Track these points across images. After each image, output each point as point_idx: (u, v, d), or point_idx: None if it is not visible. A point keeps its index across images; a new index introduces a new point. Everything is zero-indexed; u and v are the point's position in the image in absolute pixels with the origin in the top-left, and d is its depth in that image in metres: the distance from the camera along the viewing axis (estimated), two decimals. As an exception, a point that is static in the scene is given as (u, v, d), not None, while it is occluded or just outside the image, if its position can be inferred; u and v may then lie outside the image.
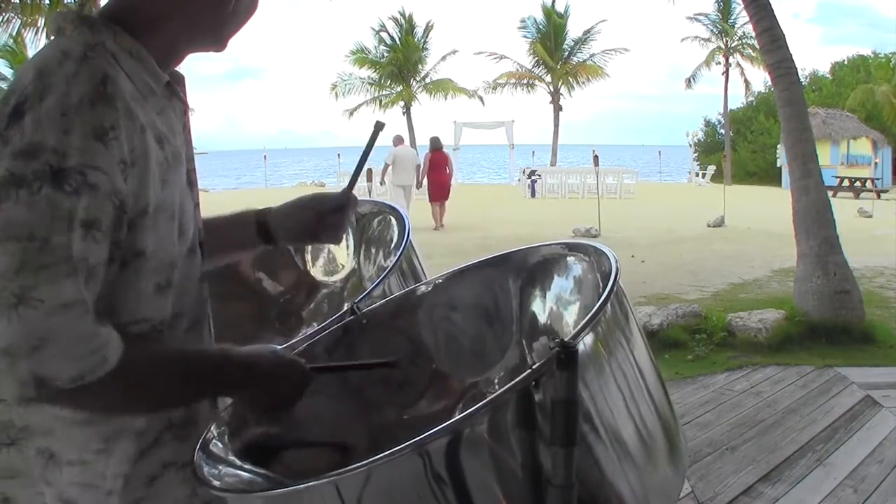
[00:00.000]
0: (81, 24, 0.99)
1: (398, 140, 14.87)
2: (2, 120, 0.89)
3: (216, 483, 1.02)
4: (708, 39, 33.67)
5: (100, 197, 0.88)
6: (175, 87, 1.08)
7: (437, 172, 14.17)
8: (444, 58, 35.44)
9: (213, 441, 1.13)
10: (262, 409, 1.16)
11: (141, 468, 1.04)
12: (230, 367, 1.09)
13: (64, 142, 0.86)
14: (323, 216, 1.39)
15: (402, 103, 34.38)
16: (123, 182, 0.91)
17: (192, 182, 1.11)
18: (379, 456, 0.85)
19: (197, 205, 1.15)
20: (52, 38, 1.00)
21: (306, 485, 0.89)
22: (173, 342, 1.07)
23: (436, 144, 14.69)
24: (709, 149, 34.63)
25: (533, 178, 23.53)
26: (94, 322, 0.88)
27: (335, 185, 25.90)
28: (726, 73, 33.17)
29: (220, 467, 1.08)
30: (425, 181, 14.34)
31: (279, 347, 1.19)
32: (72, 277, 0.86)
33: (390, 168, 14.34)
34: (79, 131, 0.87)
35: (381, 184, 15.31)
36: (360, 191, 17.96)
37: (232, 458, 1.12)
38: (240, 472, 1.10)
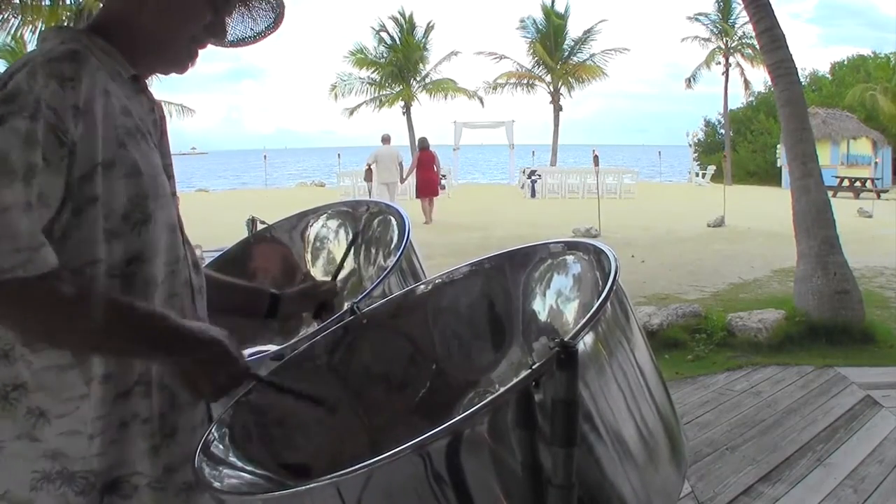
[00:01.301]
0: (60, 31, 1.21)
1: (386, 139, 15.75)
2: None
3: (217, 485, 1.02)
4: (708, 39, 33.65)
5: (49, 126, 1.02)
6: (143, 84, 1.25)
7: (425, 170, 14.99)
8: (444, 58, 35.43)
9: (214, 443, 1.13)
10: (189, 385, 1.18)
11: (115, 411, 1.12)
12: (158, 326, 1.13)
13: (31, 82, 1.03)
14: (321, 306, 1.62)
15: (402, 103, 34.36)
16: (74, 126, 1.04)
17: (168, 174, 1.25)
18: (380, 457, 0.85)
19: (174, 194, 1.26)
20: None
21: (307, 486, 0.89)
22: (149, 299, 1.16)
23: (423, 144, 15.54)
24: (709, 149, 34.62)
25: (533, 178, 23.53)
26: (28, 226, 0.99)
27: (335, 185, 25.90)
28: (726, 73, 33.16)
29: (221, 469, 1.08)
30: (411, 178, 15.31)
31: (228, 338, 1.20)
32: (18, 184, 0.98)
33: (374, 167, 15.40)
34: (42, 74, 1.03)
35: (364, 180, 16.50)
36: (359, 191, 18.27)
37: (233, 459, 1.12)
38: (241, 473, 1.10)
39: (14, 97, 1.02)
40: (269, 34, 1.40)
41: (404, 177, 15.39)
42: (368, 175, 16.14)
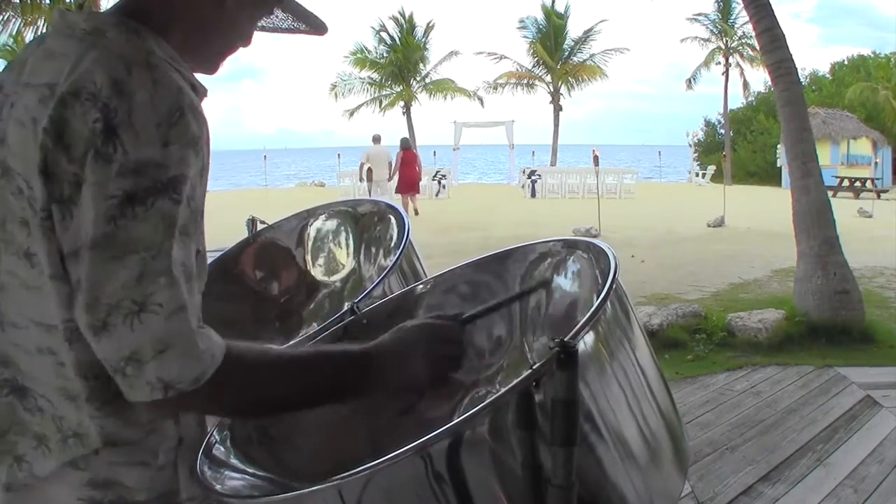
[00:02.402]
0: (125, 30, 0.97)
1: (376, 139, 16.85)
2: (89, 133, 0.88)
3: (219, 487, 1.02)
4: (708, 40, 33.70)
5: (186, 204, 0.92)
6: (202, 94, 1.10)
7: (408, 168, 16.08)
8: (444, 58, 35.43)
9: (216, 445, 1.13)
10: (428, 380, 1.14)
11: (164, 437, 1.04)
12: (362, 356, 1.08)
13: (165, 155, 0.89)
14: None
15: (402, 103, 34.36)
16: (198, 187, 0.95)
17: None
18: (381, 460, 0.85)
19: None
20: (87, 37, 0.96)
21: (309, 489, 0.89)
22: None
23: (405, 144, 16.73)
24: (709, 149, 34.63)
25: (533, 178, 23.54)
26: (196, 320, 0.92)
27: (335, 185, 25.91)
28: (726, 73, 33.19)
29: (223, 471, 1.08)
30: (396, 175, 16.32)
31: (425, 319, 1.17)
32: (181, 281, 0.90)
33: (366, 165, 16.49)
34: (177, 143, 0.90)
35: (360, 180, 17.32)
36: (359, 191, 18.58)
37: (234, 461, 1.12)
38: (243, 475, 1.10)
39: (142, 171, 0.88)
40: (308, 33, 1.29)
41: (391, 175, 16.29)
42: (370, 175, 16.58)
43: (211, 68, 1.13)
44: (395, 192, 16.01)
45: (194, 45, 1.06)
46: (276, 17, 1.23)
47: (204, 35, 1.07)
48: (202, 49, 1.08)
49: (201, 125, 0.94)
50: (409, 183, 16.08)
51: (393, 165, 16.23)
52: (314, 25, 1.26)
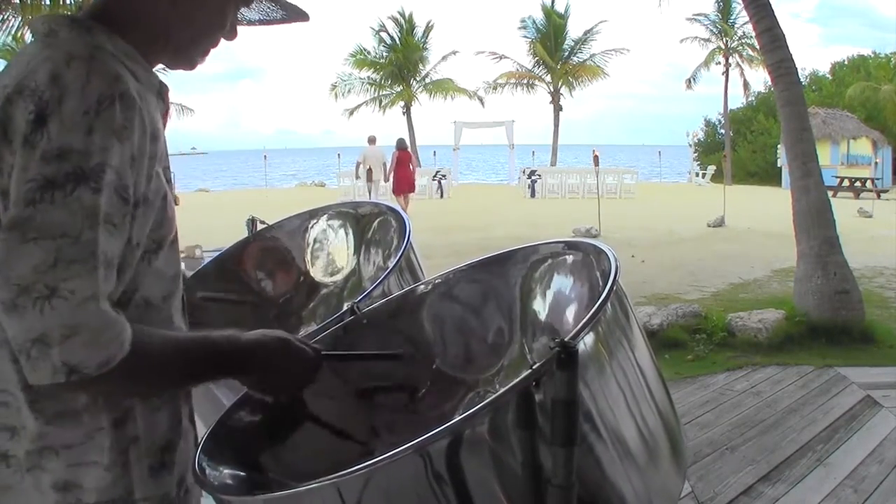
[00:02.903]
0: (77, 27, 1.02)
1: (372, 140, 17.20)
2: (24, 125, 0.92)
3: (218, 485, 1.02)
4: (708, 40, 33.69)
5: (112, 192, 0.93)
6: (162, 90, 1.13)
7: (402, 169, 16.25)
8: (444, 58, 35.47)
9: (215, 443, 1.13)
10: (268, 393, 1.20)
11: (120, 438, 1.06)
12: (233, 353, 1.12)
13: (88, 142, 0.91)
14: None
15: (402, 103, 34.38)
16: (131, 178, 0.97)
17: (168, 179, 1.17)
18: (380, 458, 0.85)
19: (174, 200, 1.20)
20: (44, 38, 1.01)
21: (307, 487, 0.89)
22: (152, 321, 1.10)
23: (400, 145, 16.69)
24: (709, 149, 34.63)
25: (533, 178, 23.54)
26: (113, 311, 0.94)
27: (335, 185, 25.90)
28: (726, 73, 33.19)
29: (222, 469, 1.08)
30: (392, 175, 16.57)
31: (287, 336, 1.20)
32: (98, 270, 0.92)
33: (362, 165, 17.00)
34: (101, 132, 0.92)
35: (357, 178, 17.82)
36: (359, 191, 18.86)
37: (233, 460, 1.12)
38: (241, 474, 1.10)
39: (65, 156, 0.90)
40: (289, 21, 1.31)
41: (386, 174, 16.54)
42: (370, 175, 16.90)
43: (187, 63, 1.16)
44: (393, 193, 16.23)
45: (160, 41, 1.10)
46: (258, 9, 1.25)
47: (166, 32, 1.09)
48: (169, 45, 1.11)
49: (132, 115, 0.95)
50: (404, 183, 16.35)
51: (388, 166, 16.52)
52: (294, 13, 1.29)
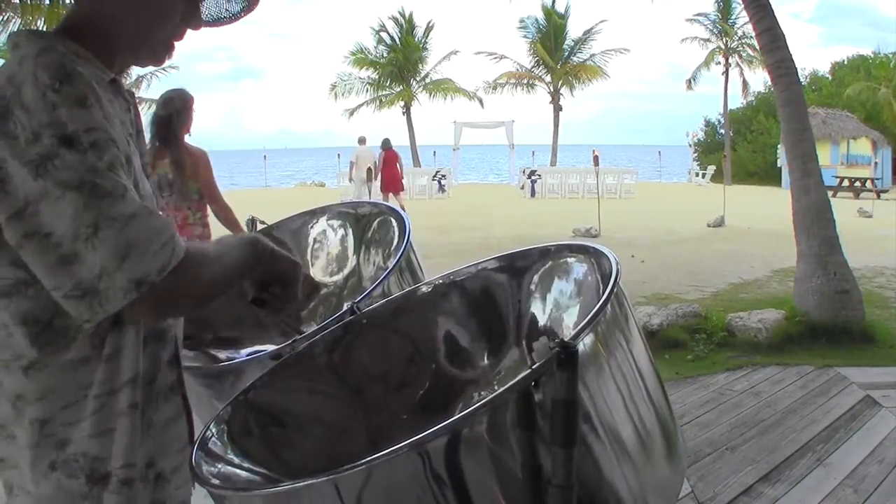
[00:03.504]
0: (32, 35, 1.13)
1: (362, 140, 17.90)
2: None
3: (215, 481, 1.02)
4: (708, 40, 33.69)
5: (104, 147, 1.01)
6: (120, 85, 1.20)
7: (389, 168, 16.83)
8: (445, 58, 35.45)
9: (212, 440, 1.13)
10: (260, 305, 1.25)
11: (107, 406, 1.11)
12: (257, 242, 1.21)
13: (55, 116, 0.98)
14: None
15: (401, 103, 34.39)
16: (111, 131, 1.03)
17: (147, 174, 1.23)
18: (378, 455, 0.85)
19: (153, 194, 1.26)
20: (11, 53, 1.09)
21: (305, 483, 0.89)
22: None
23: (386, 145, 17.25)
24: (709, 149, 34.62)
25: (533, 178, 23.54)
26: (159, 218, 1.03)
27: (335, 185, 25.90)
28: (726, 73, 33.19)
29: (219, 466, 1.08)
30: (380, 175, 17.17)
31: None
32: (128, 193, 1.00)
33: (355, 165, 17.52)
34: (63, 105, 0.99)
35: (350, 180, 18.35)
36: (353, 191, 19.12)
37: (231, 456, 1.12)
38: (238, 470, 1.10)
39: (39, 136, 0.99)
40: (244, 15, 1.36)
41: (375, 174, 17.01)
42: (369, 175, 17.13)
43: (151, 57, 1.22)
44: (381, 192, 16.65)
45: (114, 38, 1.16)
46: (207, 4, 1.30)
47: (117, 28, 1.15)
48: (125, 41, 1.17)
49: (86, 89, 1.02)
50: (391, 182, 16.82)
51: (377, 166, 16.99)
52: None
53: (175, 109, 4.32)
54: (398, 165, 17.37)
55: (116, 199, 0.99)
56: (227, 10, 1.35)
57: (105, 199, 0.98)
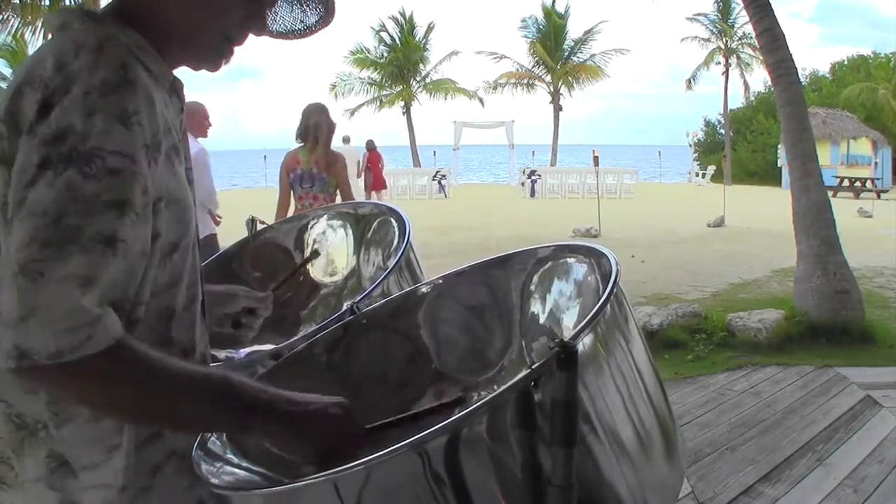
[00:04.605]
0: (89, 20, 1.01)
1: (346, 140, 18.12)
2: (32, 115, 0.91)
3: (214, 481, 1.01)
4: (707, 40, 33.70)
5: (124, 179, 0.90)
6: (178, 85, 1.12)
7: (373, 168, 17.79)
8: (444, 58, 35.45)
9: (212, 439, 1.13)
10: (298, 455, 1.06)
11: (145, 456, 1.05)
12: (241, 392, 0.98)
13: (88, 124, 0.88)
14: (243, 315, 1.53)
15: (401, 103, 34.38)
16: (146, 165, 0.93)
17: (189, 180, 1.13)
18: (377, 454, 0.84)
19: (194, 202, 1.15)
20: (58, 31, 1.00)
21: (304, 482, 0.89)
22: (173, 329, 1.08)
23: (370, 146, 18.22)
24: (709, 149, 34.61)
25: (533, 177, 23.54)
26: (87, 299, 0.86)
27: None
28: (726, 73, 33.21)
29: (218, 465, 1.08)
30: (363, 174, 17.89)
31: (342, 401, 1.06)
32: (81, 255, 0.86)
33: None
34: (102, 114, 0.89)
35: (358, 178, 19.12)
36: (358, 192, 19.55)
37: (230, 455, 1.12)
38: (238, 470, 1.10)
39: (64, 137, 0.87)
40: (320, 28, 1.28)
41: (359, 172, 17.62)
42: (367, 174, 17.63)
43: (206, 61, 1.12)
44: (365, 190, 17.26)
45: (174, 37, 1.07)
46: (282, 13, 1.24)
47: (178, 27, 1.06)
48: (183, 41, 1.08)
49: (139, 104, 0.92)
50: (376, 180, 17.70)
51: (361, 165, 17.48)
52: (318, 11, 1.26)
53: (317, 119, 5.20)
54: (381, 165, 18.32)
55: (64, 253, 0.85)
56: (301, 21, 1.27)
57: (48, 248, 0.85)
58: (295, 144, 5.39)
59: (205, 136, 5.43)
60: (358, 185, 17.47)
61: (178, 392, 0.94)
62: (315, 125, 5.16)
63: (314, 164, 5.14)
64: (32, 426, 1.00)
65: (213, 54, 1.11)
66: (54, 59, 0.92)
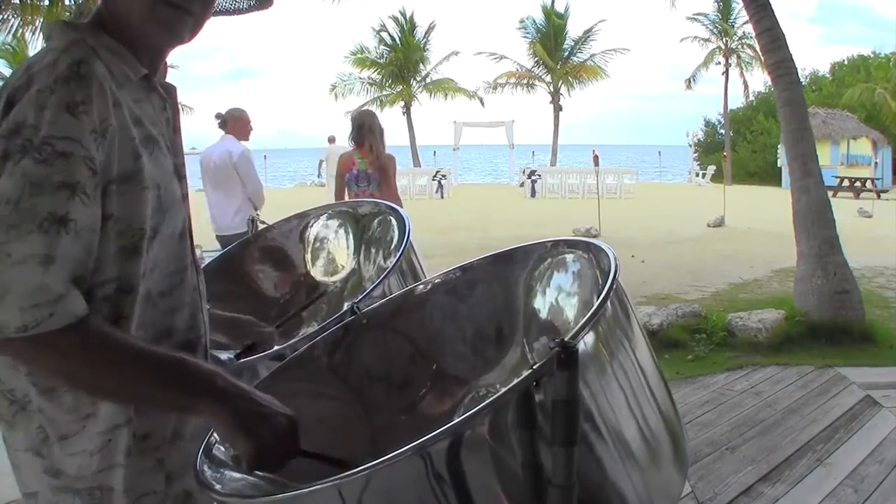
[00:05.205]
0: (65, 27, 1.11)
1: (332, 140, 18.53)
2: (1, 117, 0.99)
3: (219, 487, 1.02)
4: (707, 39, 33.67)
5: (73, 162, 0.97)
6: (154, 82, 1.16)
7: None
8: (444, 58, 35.44)
9: (216, 445, 1.13)
10: (239, 450, 1.05)
11: (118, 429, 1.11)
12: (197, 374, 1.04)
13: (39, 117, 0.96)
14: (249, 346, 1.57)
15: (402, 103, 34.38)
16: (96, 149, 1.00)
17: (180, 175, 1.19)
18: (381, 459, 0.85)
19: (185, 195, 1.21)
20: (46, 43, 1.09)
21: (309, 489, 0.89)
22: (148, 314, 1.11)
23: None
24: (709, 149, 34.59)
25: (533, 177, 23.54)
26: (50, 277, 0.94)
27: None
28: (726, 73, 33.18)
29: (223, 471, 1.08)
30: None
31: (292, 415, 1.08)
32: (38, 235, 0.93)
33: (325, 162, 18.74)
34: (52, 107, 0.97)
35: (318, 176, 19.13)
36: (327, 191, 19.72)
37: (234, 462, 1.12)
38: (242, 476, 1.10)
39: (19, 131, 0.96)
40: (256, 8, 1.33)
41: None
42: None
43: (168, 34, 1.14)
44: None
45: (135, 27, 1.11)
46: None
47: (137, 14, 1.10)
48: (131, 14, 1.11)
49: (90, 93, 0.99)
50: None
51: None
52: None
53: (371, 123, 5.56)
54: None
55: (24, 232, 0.93)
56: (233, 1, 1.33)
57: (13, 230, 0.93)
58: (326, 145, 5.77)
59: (247, 139, 5.84)
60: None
61: (135, 368, 1.02)
62: (369, 129, 5.55)
63: (369, 165, 5.50)
64: (22, 400, 1.08)
65: (165, 18, 1.11)
66: (27, 65, 1.02)
